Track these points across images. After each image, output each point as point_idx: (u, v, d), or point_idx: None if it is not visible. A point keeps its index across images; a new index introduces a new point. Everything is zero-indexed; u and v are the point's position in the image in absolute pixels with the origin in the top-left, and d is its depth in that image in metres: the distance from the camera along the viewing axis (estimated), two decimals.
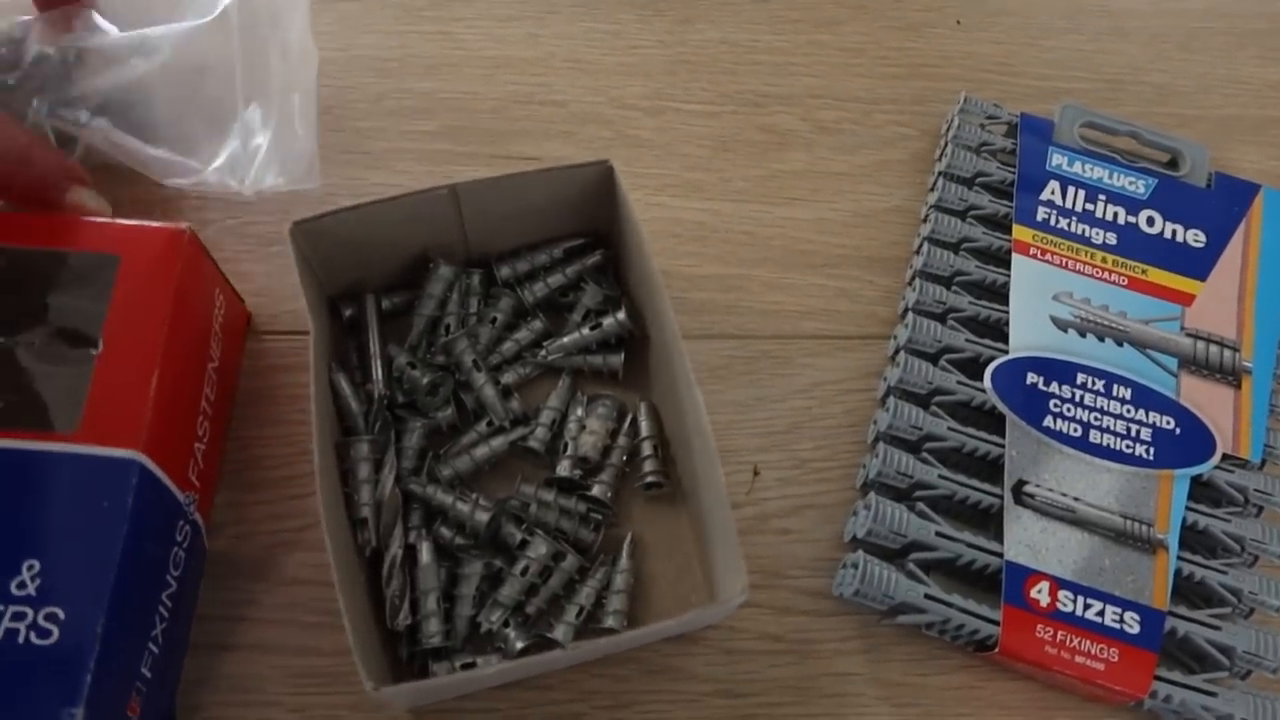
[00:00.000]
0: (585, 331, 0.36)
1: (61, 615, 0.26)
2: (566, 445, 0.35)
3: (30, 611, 0.26)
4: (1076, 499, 0.34)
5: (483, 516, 0.33)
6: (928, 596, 0.32)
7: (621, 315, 0.36)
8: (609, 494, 0.34)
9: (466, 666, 0.31)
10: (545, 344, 0.37)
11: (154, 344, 0.30)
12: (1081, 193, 0.40)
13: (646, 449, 0.35)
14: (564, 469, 0.34)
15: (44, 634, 0.26)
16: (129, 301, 0.30)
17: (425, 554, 0.32)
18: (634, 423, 0.36)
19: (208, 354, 0.33)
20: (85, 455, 0.28)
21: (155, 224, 0.32)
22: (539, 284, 0.37)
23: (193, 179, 0.36)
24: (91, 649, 0.26)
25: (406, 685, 0.27)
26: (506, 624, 0.32)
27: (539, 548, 0.33)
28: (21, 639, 0.25)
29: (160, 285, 0.31)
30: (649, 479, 0.35)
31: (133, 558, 0.28)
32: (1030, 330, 0.37)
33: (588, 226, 0.37)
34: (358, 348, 0.36)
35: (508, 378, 0.36)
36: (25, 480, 0.27)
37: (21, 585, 0.26)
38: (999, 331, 0.37)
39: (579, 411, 0.36)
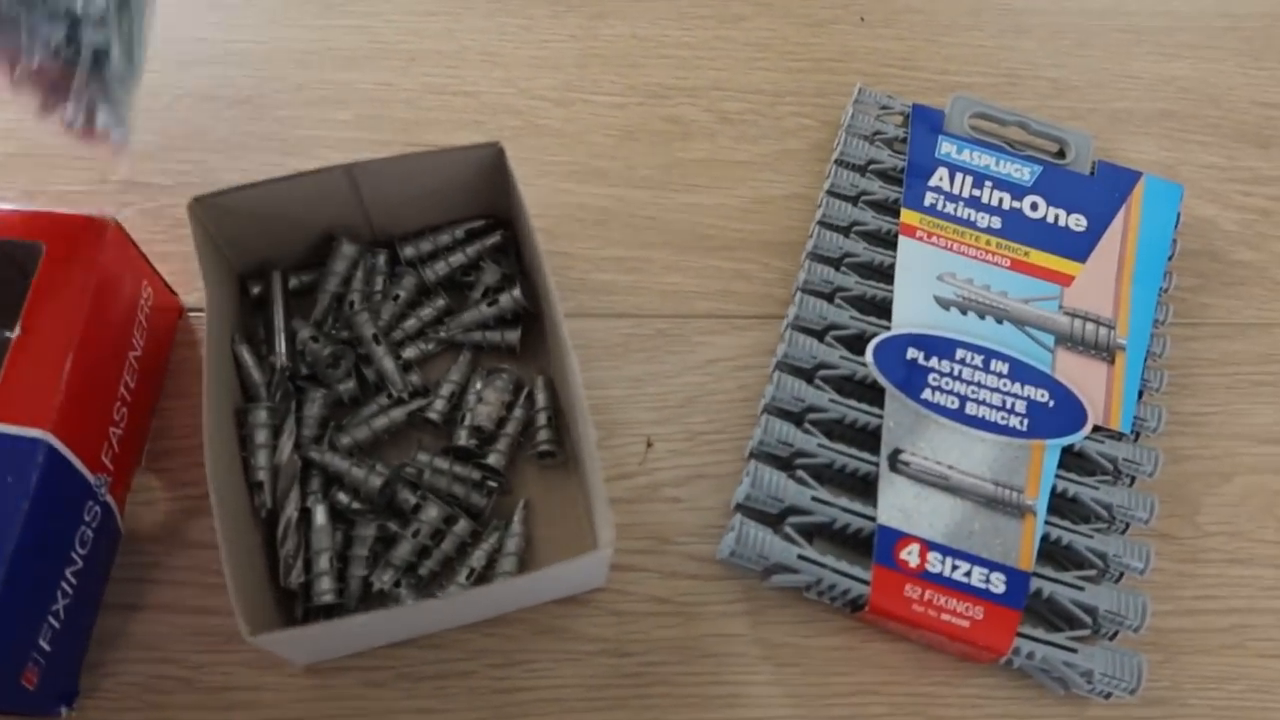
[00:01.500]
0: (484, 309, 0.38)
1: None
2: (464, 415, 0.36)
3: None
4: (950, 467, 0.36)
5: (377, 481, 0.34)
6: (801, 557, 0.34)
7: (517, 292, 0.37)
8: (503, 462, 0.36)
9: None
10: (446, 320, 0.38)
11: (72, 330, 0.31)
12: (969, 179, 0.42)
13: (541, 420, 0.36)
14: (461, 438, 0.36)
15: None
16: (50, 288, 0.31)
17: (320, 516, 0.34)
18: (530, 395, 0.37)
19: (130, 342, 0.34)
20: None
21: (80, 213, 0.33)
22: (441, 263, 0.38)
23: None
24: None
25: (284, 632, 0.28)
26: (399, 584, 0.33)
27: (431, 511, 0.34)
28: None
29: (82, 274, 0.32)
30: (542, 448, 0.36)
31: (34, 534, 0.29)
32: (913, 308, 0.39)
33: (488, 209, 0.39)
34: (264, 322, 0.37)
35: (409, 353, 0.37)
36: None
37: None
38: (884, 310, 0.39)
39: (477, 385, 0.37)
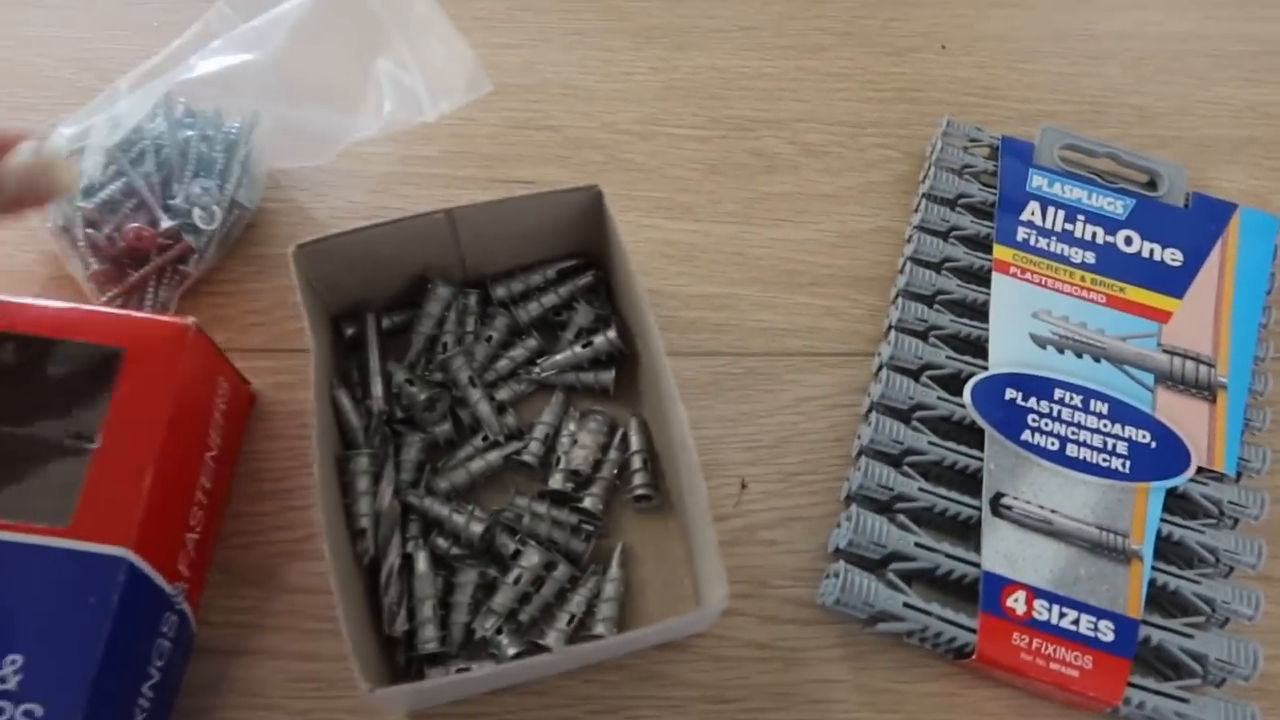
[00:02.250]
0: (577, 349, 0.38)
1: (40, 712, 0.26)
2: (559, 459, 0.36)
3: (9, 706, 0.26)
4: (1053, 511, 0.35)
5: (477, 527, 0.34)
6: (906, 605, 0.33)
7: (612, 334, 0.37)
8: (600, 506, 0.36)
9: (461, 671, 0.32)
10: (539, 361, 0.38)
11: (152, 441, 0.30)
12: (1061, 213, 0.41)
13: (636, 463, 0.36)
14: (556, 482, 0.36)
15: None
16: (131, 396, 0.30)
17: (422, 563, 0.34)
18: (624, 437, 0.37)
19: (206, 443, 0.34)
20: (75, 550, 0.28)
21: (161, 318, 0.32)
22: (533, 304, 0.38)
23: (377, 128, 0.38)
24: None
25: (402, 687, 0.28)
26: (500, 631, 0.33)
27: (531, 557, 0.34)
28: None
29: (163, 380, 0.31)
30: (638, 491, 0.36)
31: (116, 653, 0.28)
32: (1010, 347, 0.38)
33: (580, 248, 0.39)
34: (359, 365, 0.37)
35: (503, 394, 0.37)
36: (12, 573, 0.28)
37: (3, 680, 0.26)
38: (979, 348, 0.39)
39: (571, 426, 0.37)
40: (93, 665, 0.27)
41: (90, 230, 0.36)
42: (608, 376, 0.38)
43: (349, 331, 0.38)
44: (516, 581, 0.34)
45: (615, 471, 0.36)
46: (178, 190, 0.37)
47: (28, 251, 0.40)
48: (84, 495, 0.29)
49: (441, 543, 0.35)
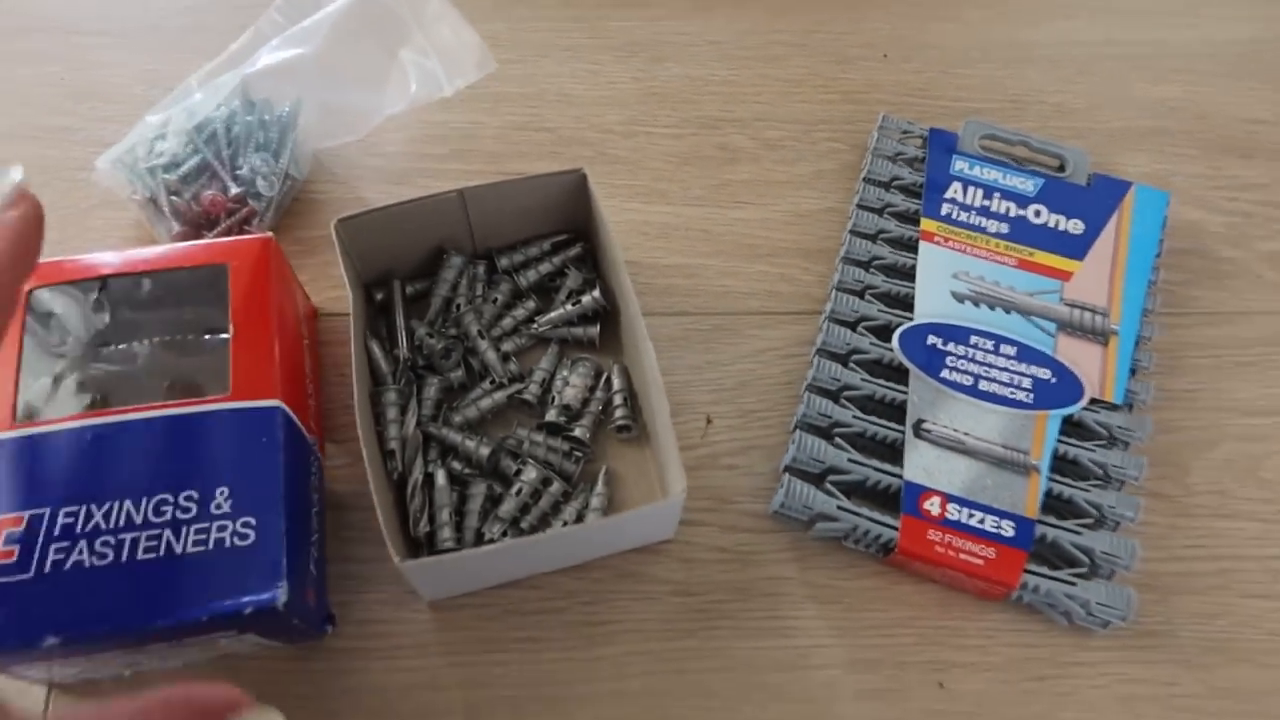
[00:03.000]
0: (568, 308, 0.45)
1: (254, 522, 0.34)
2: (554, 397, 0.43)
3: (231, 522, 0.34)
4: (966, 434, 0.42)
5: (485, 450, 0.41)
6: (840, 508, 0.40)
7: (597, 294, 0.45)
8: (587, 435, 0.43)
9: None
10: (536, 319, 0.45)
11: (269, 323, 0.38)
12: (979, 191, 0.49)
13: (617, 400, 0.44)
14: (551, 415, 0.43)
15: (244, 537, 0.34)
16: (242, 295, 0.38)
17: (440, 479, 0.41)
18: (608, 380, 0.44)
19: (301, 334, 0.42)
20: (242, 408, 0.36)
21: (247, 237, 0.40)
22: (531, 271, 0.46)
23: (405, 104, 0.47)
24: (280, 544, 0.34)
25: (424, 559, 0.35)
26: (505, 535, 0.40)
27: (530, 474, 0.41)
28: (229, 543, 0.33)
29: (261, 279, 0.39)
30: (619, 422, 0.43)
31: (289, 478, 0.35)
32: (933, 302, 0.45)
33: (570, 225, 0.46)
34: (387, 323, 0.45)
35: (507, 345, 0.45)
36: (204, 432, 0.35)
37: (219, 505, 0.34)
38: (907, 304, 0.46)
39: (564, 371, 0.44)
40: (278, 485, 0.35)
41: (174, 197, 0.44)
42: (593, 330, 0.45)
43: (378, 296, 0.45)
44: (518, 493, 0.41)
45: (600, 407, 0.44)
46: (242, 163, 0.45)
47: (118, 225, 0.48)
48: (235, 370, 0.37)
49: (456, 465, 0.42)
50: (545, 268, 0.46)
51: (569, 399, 0.43)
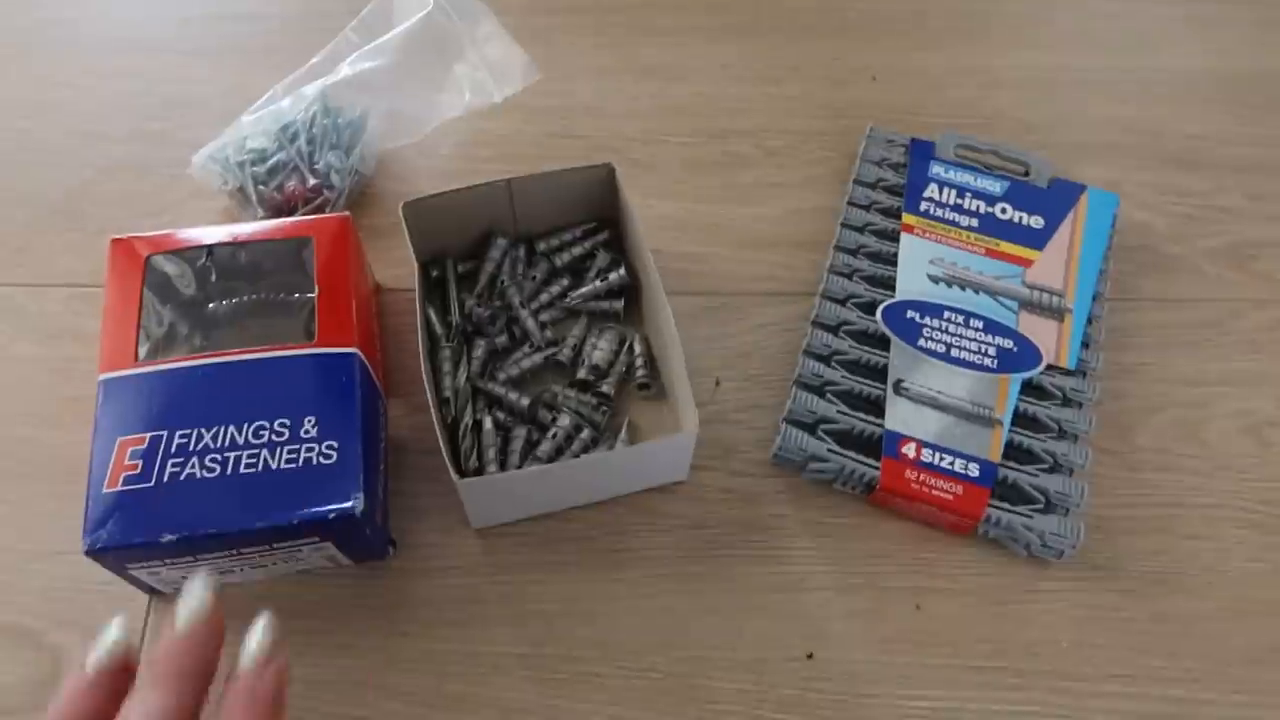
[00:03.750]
0: (597, 284, 0.52)
1: (336, 445, 0.41)
2: (584, 360, 0.50)
3: (317, 445, 0.41)
4: (939, 392, 0.49)
5: (525, 402, 0.48)
6: (830, 450, 0.47)
7: (622, 271, 0.52)
8: (613, 391, 0.50)
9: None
10: (570, 294, 0.52)
11: (347, 286, 0.45)
12: (953, 191, 0.56)
13: (639, 363, 0.50)
14: (582, 373, 0.50)
15: (327, 457, 0.40)
16: (325, 263, 0.46)
17: (487, 424, 0.48)
18: (630, 346, 0.51)
19: (370, 299, 0.49)
20: (325, 354, 0.43)
21: (329, 215, 0.48)
22: (565, 253, 0.53)
23: (461, 109, 0.55)
24: (358, 464, 0.40)
25: (477, 478, 0.42)
26: None
27: (564, 420, 0.48)
28: (315, 462, 0.40)
29: (340, 250, 0.46)
30: (640, 380, 0.50)
31: (364, 413, 0.42)
32: (912, 283, 0.53)
33: (599, 214, 0.54)
34: (441, 295, 0.52)
35: (544, 316, 0.52)
36: (294, 372, 0.42)
37: (308, 431, 0.41)
38: (890, 285, 0.53)
39: (593, 338, 0.51)
40: (355, 418, 0.42)
41: (260, 188, 0.52)
42: (619, 303, 0.52)
43: (434, 273, 0.52)
44: (554, 437, 0.48)
45: (624, 369, 0.50)
46: (319, 160, 0.52)
47: (207, 212, 0.56)
48: (320, 322, 0.44)
49: (500, 415, 0.49)
50: (577, 250, 0.53)
51: (597, 360, 0.50)
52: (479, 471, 0.46)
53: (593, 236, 0.54)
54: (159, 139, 0.59)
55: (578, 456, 0.47)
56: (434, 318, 0.50)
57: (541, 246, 0.53)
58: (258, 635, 0.30)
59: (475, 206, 0.50)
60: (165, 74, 0.62)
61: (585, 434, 0.48)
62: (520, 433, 0.48)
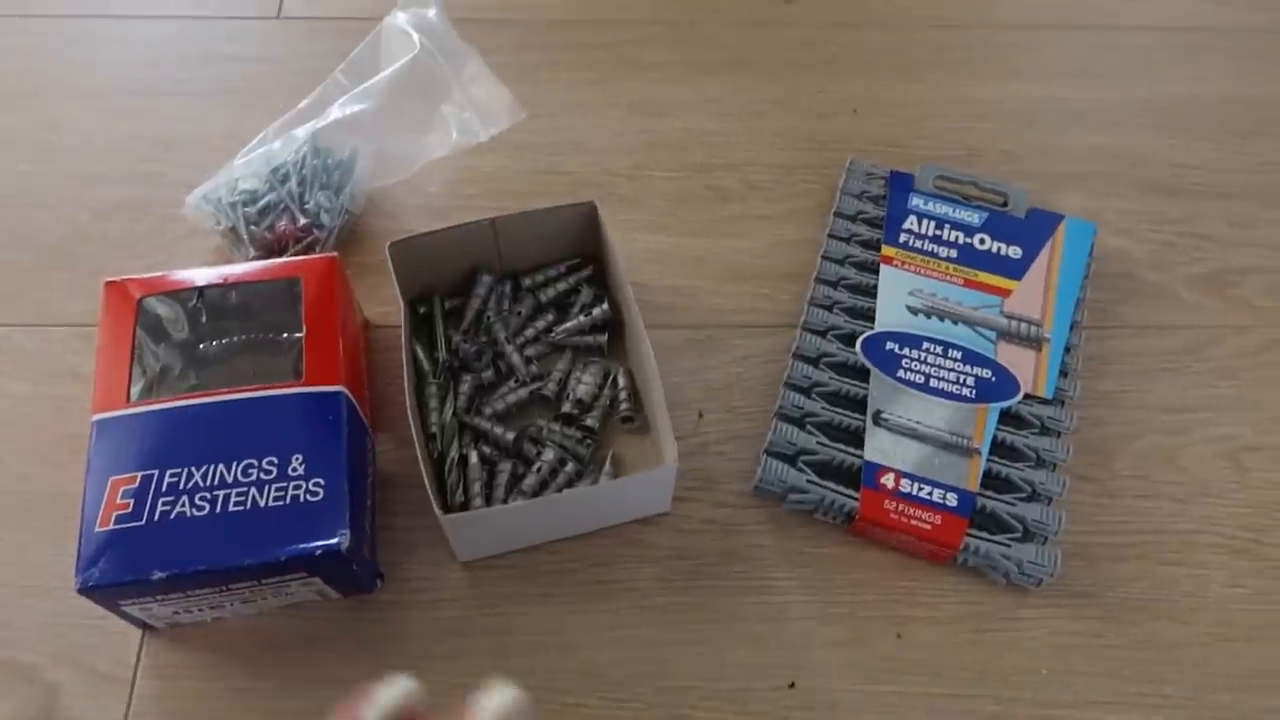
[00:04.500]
0: (581, 319, 0.53)
1: (323, 482, 0.42)
2: (569, 394, 0.51)
3: (304, 483, 0.42)
4: (918, 422, 0.50)
5: (511, 435, 0.49)
6: (809, 481, 0.48)
7: (605, 307, 0.53)
8: (597, 425, 0.50)
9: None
10: (554, 329, 0.53)
11: (334, 326, 0.46)
12: (932, 223, 0.57)
13: (623, 396, 0.51)
14: (567, 407, 0.51)
15: (314, 494, 0.41)
16: (313, 302, 0.47)
17: (473, 458, 0.48)
18: (614, 380, 0.52)
19: (358, 337, 0.50)
20: (312, 392, 0.44)
21: (316, 256, 0.49)
22: (550, 289, 0.54)
23: (448, 149, 0.57)
24: (344, 501, 0.41)
25: (461, 513, 0.43)
26: None
27: (549, 454, 0.49)
28: (302, 499, 0.41)
29: (328, 290, 0.47)
30: (624, 414, 0.51)
31: (352, 452, 0.43)
32: (891, 315, 0.53)
33: (583, 250, 0.55)
34: (428, 331, 0.53)
35: (529, 351, 0.53)
36: (282, 410, 0.44)
37: (295, 469, 0.42)
38: (869, 317, 0.54)
39: (577, 372, 0.52)
40: (342, 455, 0.43)
41: (252, 227, 0.53)
42: (602, 338, 0.53)
43: (421, 309, 0.54)
44: (539, 471, 0.48)
45: (608, 402, 0.51)
46: (309, 200, 0.53)
47: (200, 251, 0.57)
48: (307, 361, 0.45)
49: (485, 449, 0.50)
50: (561, 286, 0.54)
51: (582, 394, 0.51)
52: (465, 506, 0.47)
53: (577, 272, 0.55)
54: (154, 180, 0.60)
55: (562, 490, 0.48)
56: (421, 354, 0.51)
57: (526, 282, 0.54)
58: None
59: (461, 244, 0.51)
60: (161, 115, 0.64)
61: (570, 467, 0.49)
62: (506, 466, 0.48)
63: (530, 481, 0.48)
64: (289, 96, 0.60)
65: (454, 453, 0.48)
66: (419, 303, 0.54)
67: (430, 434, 0.49)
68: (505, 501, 0.48)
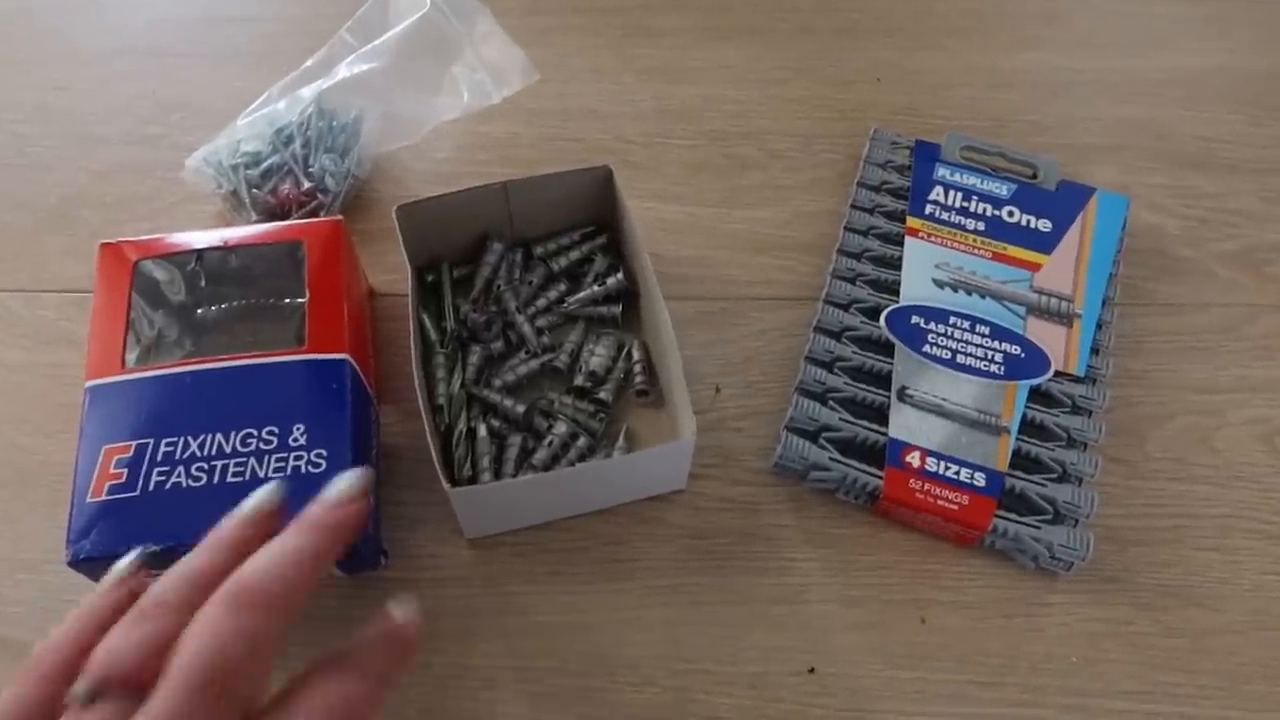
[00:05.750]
0: (595, 289, 0.51)
1: (325, 453, 0.40)
2: (581, 365, 0.49)
3: (305, 454, 0.40)
4: (944, 399, 0.48)
5: (521, 408, 0.47)
6: (832, 459, 0.46)
7: (620, 277, 0.51)
8: (610, 398, 0.49)
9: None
10: (566, 299, 0.52)
11: (339, 291, 0.44)
12: (959, 194, 0.55)
13: (637, 369, 0.49)
14: (579, 380, 0.49)
15: (316, 466, 0.40)
16: (316, 266, 0.45)
17: (482, 431, 0.47)
18: (629, 352, 0.50)
19: (363, 304, 0.48)
20: (315, 360, 0.42)
21: (321, 219, 0.47)
22: (562, 258, 0.52)
23: (459, 111, 0.54)
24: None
25: (468, 487, 0.41)
26: None
27: (561, 428, 0.47)
28: (304, 470, 0.39)
29: (332, 254, 0.45)
30: (638, 387, 0.49)
31: (355, 419, 0.41)
32: (917, 288, 0.51)
33: (597, 218, 0.53)
34: (437, 300, 0.51)
35: (541, 322, 0.51)
36: (284, 378, 0.42)
37: (296, 439, 0.40)
38: (894, 290, 0.52)
39: (590, 344, 0.50)
40: (346, 424, 0.41)
41: (254, 191, 0.51)
42: (616, 308, 0.51)
43: (429, 278, 0.52)
44: (550, 445, 0.47)
45: (622, 375, 0.49)
46: (314, 163, 0.52)
47: (200, 217, 0.55)
48: (310, 328, 0.43)
49: (495, 422, 0.48)
50: (575, 255, 0.52)
51: (595, 366, 0.49)
52: (473, 480, 0.45)
53: (590, 240, 0.53)
54: (156, 142, 0.58)
55: (574, 465, 0.46)
56: (428, 323, 0.49)
57: (539, 250, 0.52)
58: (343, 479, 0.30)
59: (471, 210, 0.49)
60: (164, 77, 0.62)
61: (582, 441, 0.47)
62: (515, 440, 0.47)
63: (541, 455, 0.46)
64: (295, 58, 0.58)
65: (462, 425, 0.46)
66: (427, 270, 0.52)
67: (437, 405, 0.47)
68: (515, 476, 0.46)
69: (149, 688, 0.25)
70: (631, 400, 0.49)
